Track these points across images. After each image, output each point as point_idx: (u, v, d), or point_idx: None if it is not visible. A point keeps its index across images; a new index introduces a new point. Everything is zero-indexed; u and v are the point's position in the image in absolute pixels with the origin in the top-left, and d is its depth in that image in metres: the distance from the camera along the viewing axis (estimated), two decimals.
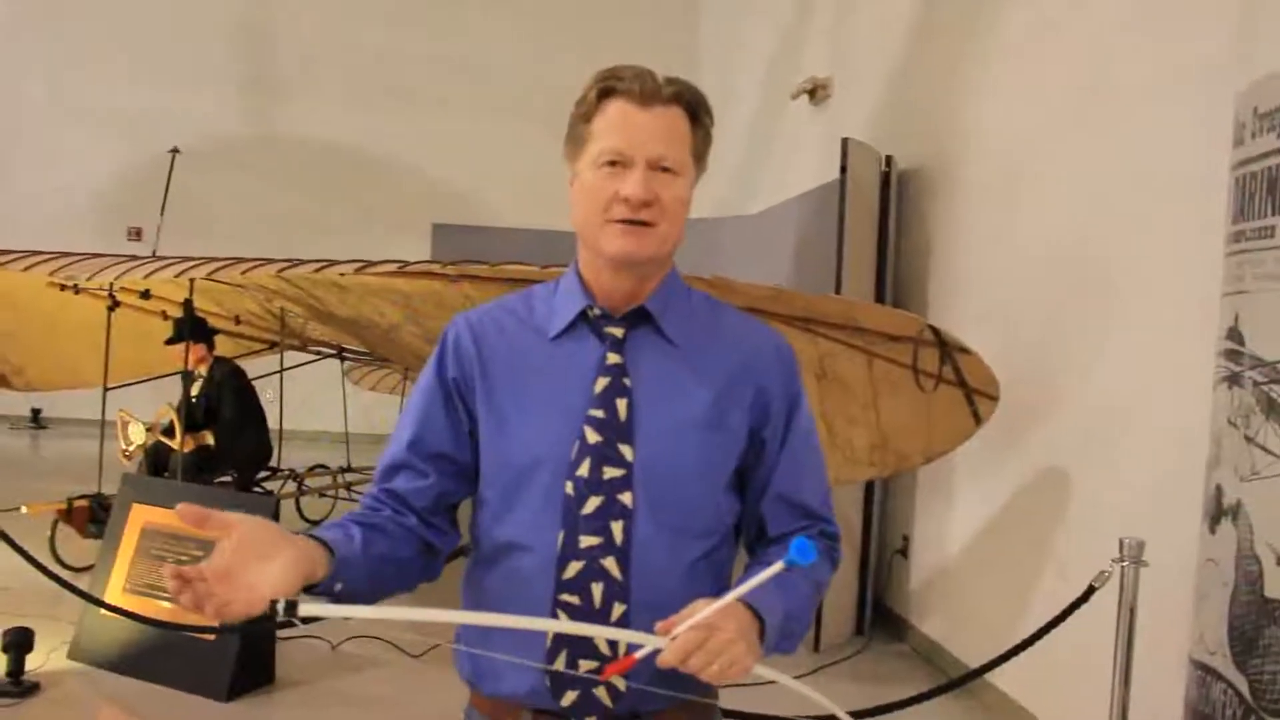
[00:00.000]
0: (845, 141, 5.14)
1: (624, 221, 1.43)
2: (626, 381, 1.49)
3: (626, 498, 1.45)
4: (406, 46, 11.48)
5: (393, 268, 4.59)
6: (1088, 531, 3.86)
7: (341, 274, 4.82)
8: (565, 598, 1.44)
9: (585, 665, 1.43)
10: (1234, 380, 2.62)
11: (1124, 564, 3.01)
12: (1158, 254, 3.58)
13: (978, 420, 4.27)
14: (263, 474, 7.02)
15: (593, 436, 1.46)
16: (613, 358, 1.50)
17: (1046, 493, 4.22)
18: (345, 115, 11.51)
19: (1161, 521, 3.31)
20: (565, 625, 1.40)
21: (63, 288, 6.29)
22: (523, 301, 1.59)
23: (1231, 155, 2.72)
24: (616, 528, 1.44)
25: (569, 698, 1.45)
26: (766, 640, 1.38)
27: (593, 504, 1.44)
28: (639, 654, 1.31)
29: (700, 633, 1.28)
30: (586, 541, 1.44)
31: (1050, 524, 4.14)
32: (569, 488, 1.45)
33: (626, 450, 1.46)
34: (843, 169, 5.09)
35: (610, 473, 1.45)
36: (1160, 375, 3.53)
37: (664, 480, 1.47)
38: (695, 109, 1.49)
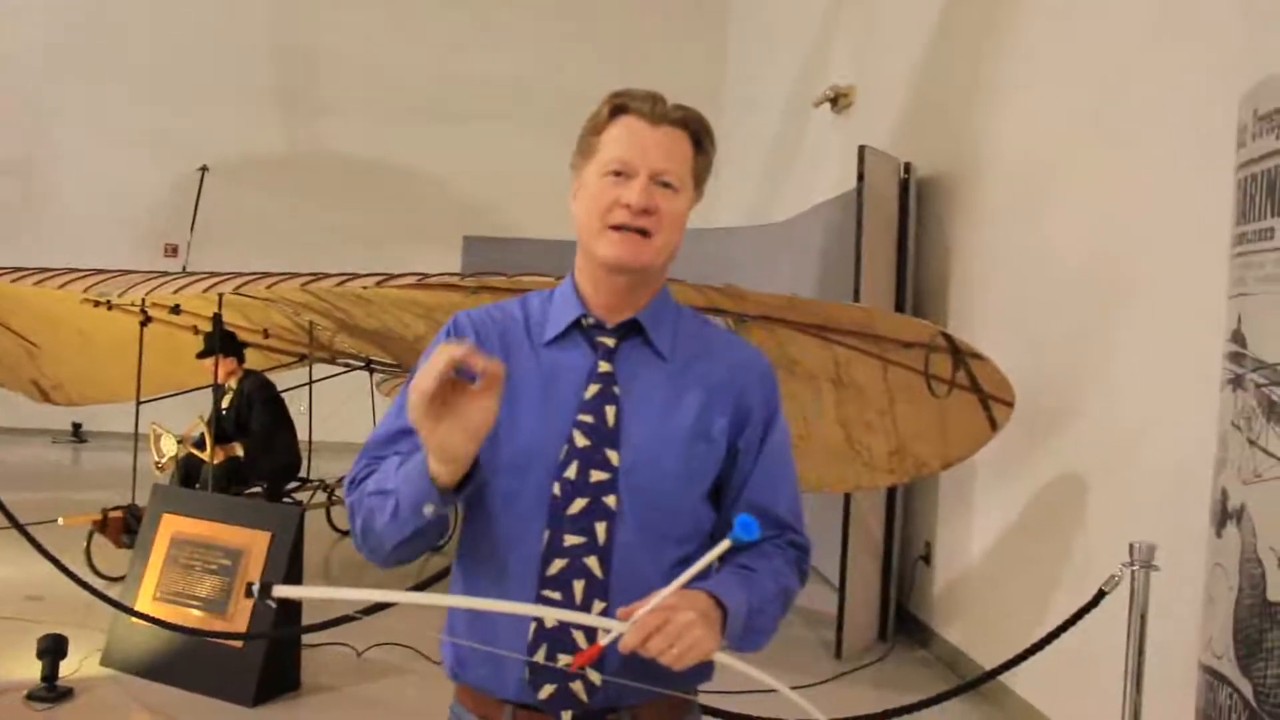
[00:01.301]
0: (862, 149, 5.16)
1: (622, 229, 1.50)
2: (616, 390, 1.55)
3: (611, 500, 1.50)
4: (435, 62, 11.60)
5: (413, 280, 4.67)
6: (1107, 536, 3.85)
7: (364, 287, 4.91)
8: (548, 593, 1.49)
9: (564, 659, 1.48)
10: (1237, 383, 2.63)
11: (1134, 568, 3.01)
12: (1172, 259, 3.58)
13: (994, 426, 4.28)
14: (292, 484, 7.12)
15: (581, 440, 1.51)
16: (604, 366, 1.56)
17: (1066, 498, 4.22)
18: (376, 130, 11.62)
19: (1175, 526, 3.30)
20: (528, 608, 1.45)
21: (96, 304, 6.42)
22: (519, 306, 1.65)
23: (1235, 158, 2.73)
24: (600, 528, 1.50)
25: (546, 691, 1.50)
26: (730, 628, 1.42)
27: (578, 505, 1.50)
28: (603, 640, 1.36)
29: (659, 616, 1.33)
30: (570, 540, 1.49)
31: (1070, 529, 4.13)
32: (556, 488, 1.50)
33: (613, 455, 1.51)
34: (860, 177, 5.11)
35: (596, 476, 1.50)
36: (1174, 380, 3.53)
37: (647, 485, 1.52)
38: (700, 135, 1.58)
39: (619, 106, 1.54)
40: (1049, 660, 3.53)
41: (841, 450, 4.92)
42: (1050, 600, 4.20)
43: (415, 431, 1.48)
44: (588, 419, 1.52)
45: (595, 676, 1.48)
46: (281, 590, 1.26)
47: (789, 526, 1.64)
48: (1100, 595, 3.08)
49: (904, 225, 5.45)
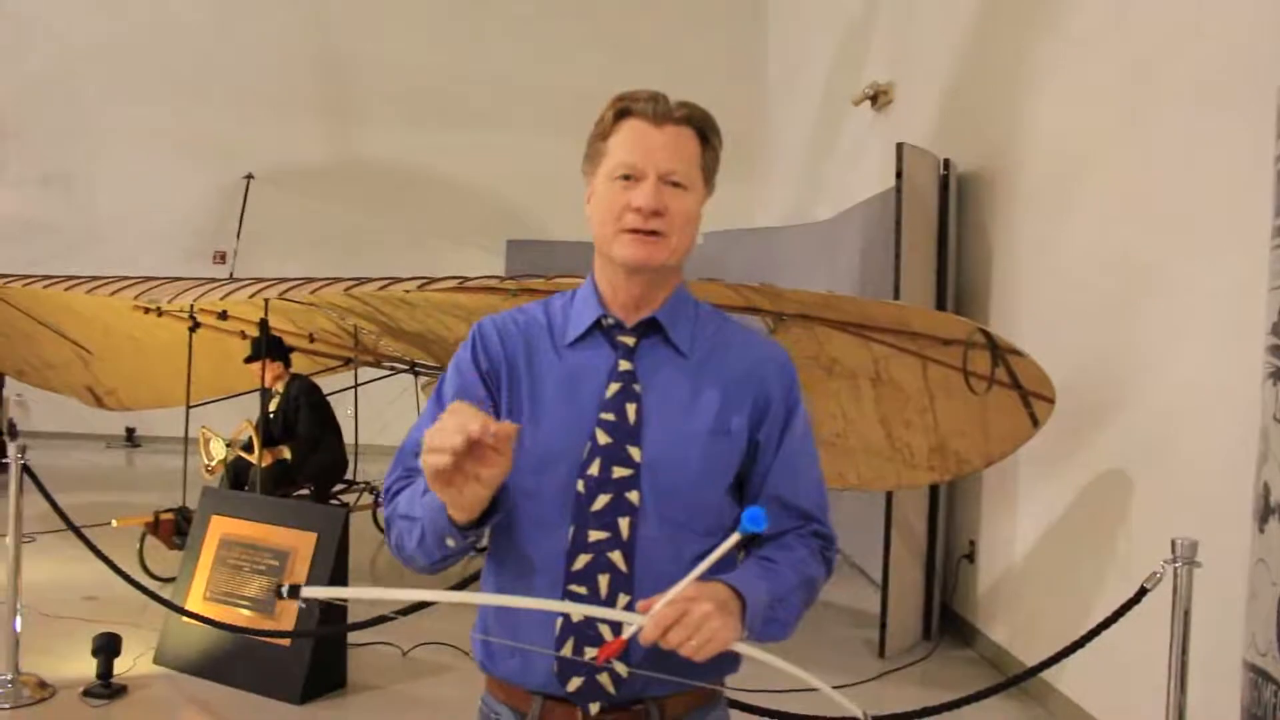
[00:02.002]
0: (900, 146, 5.14)
1: (635, 231, 1.53)
2: (636, 388, 1.58)
3: (633, 496, 1.53)
4: (477, 70, 11.70)
5: (454, 283, 4.72)
6: (1151, 533, 3.81)
7: (406, 290, 4.98)
8: (574, 588, 1.52)
9: (590, 652, 1.50)
10: (1278, 376, 2.60)
11: (1177, 565, 2.96)
12: (1213, 252, 3.54)
13: (1035, 422, 4.25)
14: (339, 486, 7.22)
15: (603, 438, 1.54)
16: (624, 365, 1.59)
17: (1110, 495, 4.18)
18: (418, 137, 11.73)
19: (1218, 521, 3.27)
20: (560, 605, 1.49)
21: (146, 311, 6.56)
22: (542, 309, 1.68)
23: (1274, 148, 2.70)
24: (623, 524, 1.53)
25: (574, 684, 1.53)
26: (749, 619, 1.44)
27: (602, 501, 1.53)
28: (625, 633, 1.39)
29: (677, 608, 1.36)
30: (595, 536, 1.52)
31: (1114, 527, 4.09)
32: (580, 485, 1.53)
33: (635, 452, 1.54)
34: (898, 174, 5.09)
35: (619, 472, 1.53)
36: (1216, 374, 3.49)
37: (669, 480, 1.55)
38: (705, 131, 1.59)
39: (622, 110, 1.56)
40: (1094, 658, 3.50)
41: (882, 448, 4.91)
42: (1096, 598, 4.16)
43: None
44: (609, 417, 1.55)
45: (622, 668, 1.51)
46: (310, 591, 1.29)
47: (813, 517, 1.65)
48: (1142, 592, 3.05)
49: (944, 222, 5.42)
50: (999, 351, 4.00)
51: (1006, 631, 5.06)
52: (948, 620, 5.57)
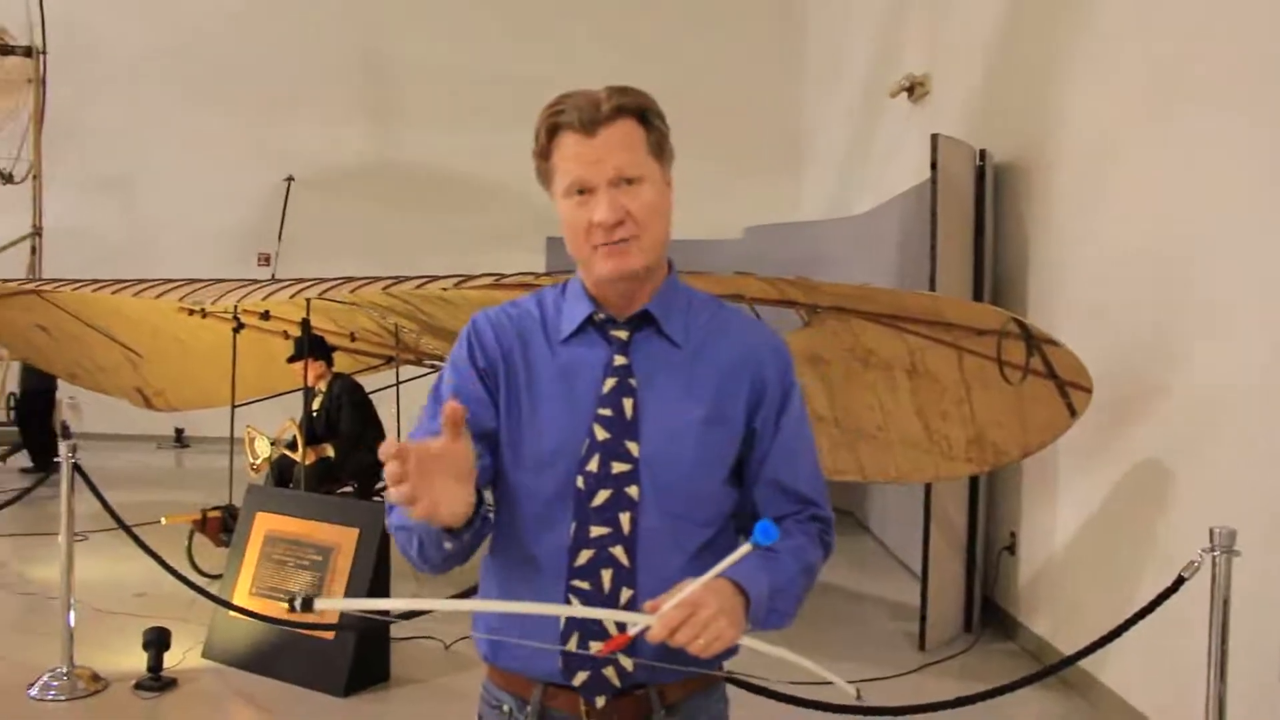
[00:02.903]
0: (935, 138, 5.11)
1: (606, 244, 1.52)
2: (632, 382, 1.58)
3: (633, 490, 1.53)
4: (517, 70, 11.71)
5: (490, 280, 4.77)
6: (1192, 524, 3.77)
7: (444, 289, 5.03)
8: (577, 583, 1.53)
9: (595, 647, 1.52)
10: None
11: (1215, 553, 2.94)
12: (1253, 238, 3.50)
13: (1073, 413, 4.22)
14: (381, 483, 7.31)
15: (601, 434, 1.55)
16: (619, 359, 1.59)
17: (1150, 486, 4.14)
18: (456, 137, 11.76)
19: (1259, 510, 3.24)
20: (565, 609, 1.50)
21: (191, 312, 6.68)
22: (534, 302, 1.68)
23: None
24: (624, 518, 1.53)
25: (580, 678, 1.54)
26: (752, 613, 1.46)
27: (602, 496, 1.53)
28: (631, 632, 1.41)
29: (685, 609, 1.37)
30: (596, 531, 1.53)
31: (1155, 517, 4.06)
32: (580, 482, 1.54)
33: (633, 446, 1.54)
34: (933, 165, 5.06)
35: (618, 467, 1.54)
36: (1256, 363, 3.45)
37: (668, 474, 1.55)
38: (641, 112, 1.54)
39: (552, 126, 1.53)
40: (1134, 648, 3.48)
41: (920, 440, 4.89)
42: (1138, 590, 4.12)
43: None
44: (606, 412, 1.55)
45: (628, 662, 1.53)
46: (322, 603, 1.32)
47: (810, 501, 1.65)
48: (1180, 581, 3.02)
49: (980, 213, 5.38)
50: (1034, 341, 3.97)
51: (1048, 624, 5.02)
52: (989, 613, 5.54)
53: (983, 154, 5.44)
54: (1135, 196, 4.29)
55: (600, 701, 1.55)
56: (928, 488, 5.15)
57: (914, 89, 7.38)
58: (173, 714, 4.32)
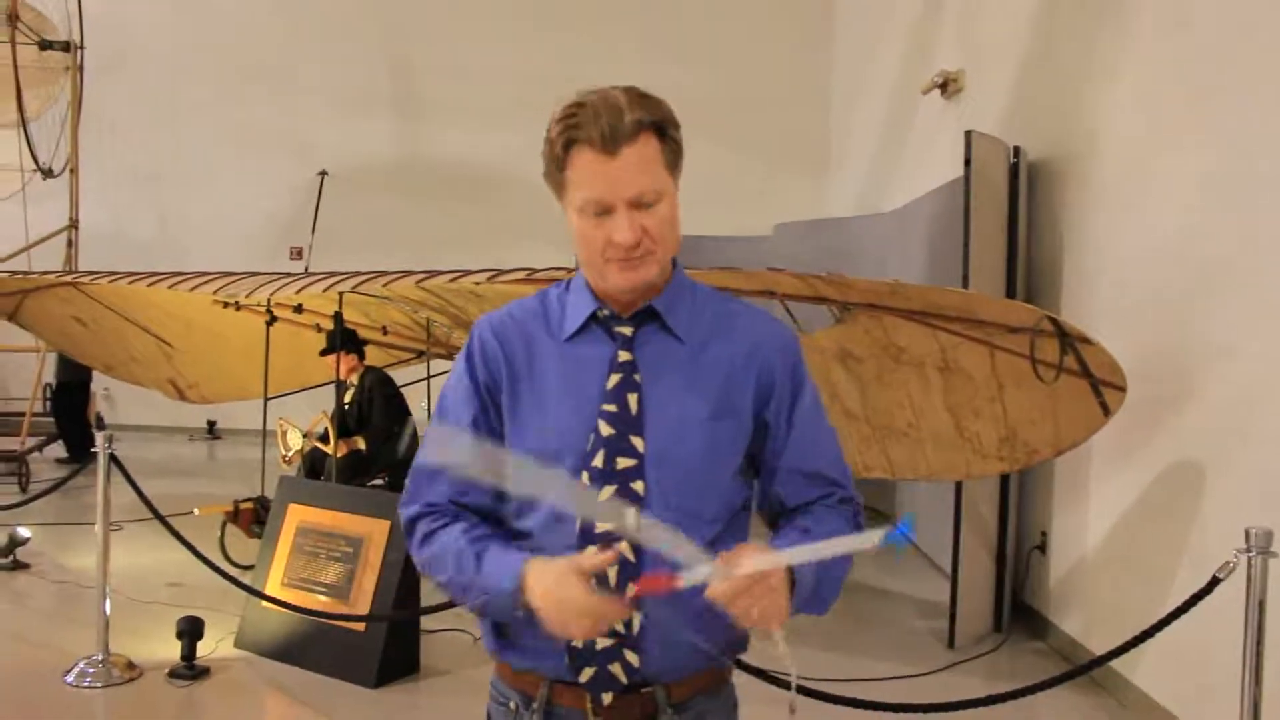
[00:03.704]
0: (969, 134, 5.08)
1: (622, 260, 1.52)
2: (637, 378, 1.57)
3: (639, 486, 1.53)
4: (547, 67, 11.73)
5: (522, 275, 4.79)
6: (1226, 524, 3.74)
7: (476, 283, 5.05)
8: None
9: (601, 644, 1.53)
10: None
11: (1250, 554, 2.92)
12: None
13: (1106, 411, 4.18)
14: None
15: (606, 430, 1.55)
16: (624, 355, 1.59)
17: (1184, 486, 4.10)
18: (487, 134, 11.71)
19: None
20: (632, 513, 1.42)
21: (225, 305, 6.73)
22: (538, 302, 1.68)
23: None
24: None
25: (587, 674, 1.55)
26: (797, 597, 1.46)
27: (607, 493, 1.52)
28: (685, 579, 1.36)
29: (752, 578, 1.35)
30: (603, 527, 1.52)
31: (1188, 517, 4.02)
32: (585, 478, 1.53)
33: (638, 442, 1.54)
34: (966, 162, 5.03)
35: (623, 463, 1.54)
36: None
37: (674, 469, 1.54)
38: (660, 126, 1.52)
39: (569, 140, 1.49)
40: (1167, 649, 3.45)
41: (951, 438, 4.87)
42: (1171, 590, 4.09)
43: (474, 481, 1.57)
44: (611, 408, 1.55)
45: (634, 658, 1.53)
46: None
47: (837, 483, 1.65)
48: (1215, 582, 3.00)
49: (1014, 210, 5.34)
50: (1068, 339, 3.94)
51: (1079, 624, 4.99)
52: (1019, 612, 5.50)
53: (1016, 151, 5.40)
54: (1171, 194, 4.24)
55: (607, 698, 1.55)
56: (959, 486, 5.12)
57: (947, 85, 7.33)
58: (206, 702, 4.37)
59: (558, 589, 1.41)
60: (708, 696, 1.63)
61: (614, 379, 1.57)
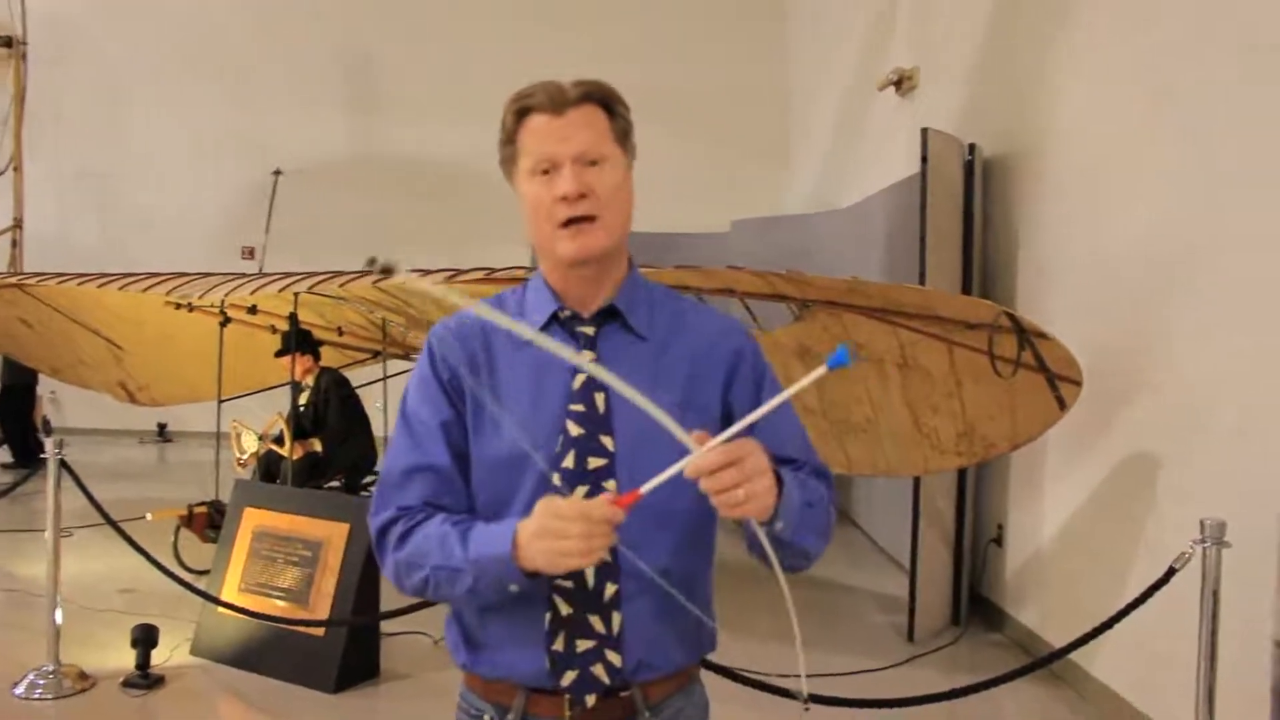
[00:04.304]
0: (925, 131, 5.12)
1: (569, 223, 1.51)
2: None
3: (610, 484, 1.52)
4: (501, 63, 11.67)
5: (480, 275, 4.76)
6: (1180, 516, 3.79)
7: (434, 284, 5.01)
8: (560, 581, 1.51)
9: (583, 645, 1.51)
10: None
11: (1205, 545, 2.97)
12: (1241, 233, 3.51)
13: (1062, 406, 4.24)
14: (368, 478, 7.29)
15: (575, 430, 1.54)
16: (587, 355, 1.57)
17: (1139, 479, 4.16)
18: (444, 132, 11.65)
19: (1249, 502, 3.26)
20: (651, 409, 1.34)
21: (178, 306, 6.63)
22: (495, 305, 1.66)
23: None
24: None
25: (568, 677, 1.52)
26: (784, 508, 1.42)
27: (579, 493, 1.50)
28: (673, 469, 1.34)
29: (731, 452, 1.32)
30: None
31: (1143, 510, 4.08)
32: (556, 479, 1.52)
33: (608, 441, 1.54)
34: (923, 159, 5.07)
35: (594, 462, 1.53)
36: (1245, 356, 3.47)
37: (645, 465, 1.49)
38: (606, 101, 1.56)
39: (521, 109, 1.54)
40: (1124, 640, 3.50)
41: (909, 434, 4.91)
42: (1127, 581, 4.15)
43: (431, 468, 1.56)
44: (579, 408, 1.54)
45: (618, 659, 1.52)
46: (403, 276, 1.31)
47: (805, 460, 1.63)
48: (1171, 572, 3.05)
49: (969, 207, 5.40)
50: (1025, 334, 3.98)
51: (1036, 615, 5.05)
52: (977, 604, 5.56)
53: (972, 148, 5.45)
54: (1124, 191, 4.30)
55: (590, 700, 1.53)
56: (917, 481, 5.16)
57: (902, 82, 7.38)
58: (161, 712, 4.29)
59: (543, 515, 1.38)
60: (681, 696, 1.62)
61: (580, 379, 1.56)
